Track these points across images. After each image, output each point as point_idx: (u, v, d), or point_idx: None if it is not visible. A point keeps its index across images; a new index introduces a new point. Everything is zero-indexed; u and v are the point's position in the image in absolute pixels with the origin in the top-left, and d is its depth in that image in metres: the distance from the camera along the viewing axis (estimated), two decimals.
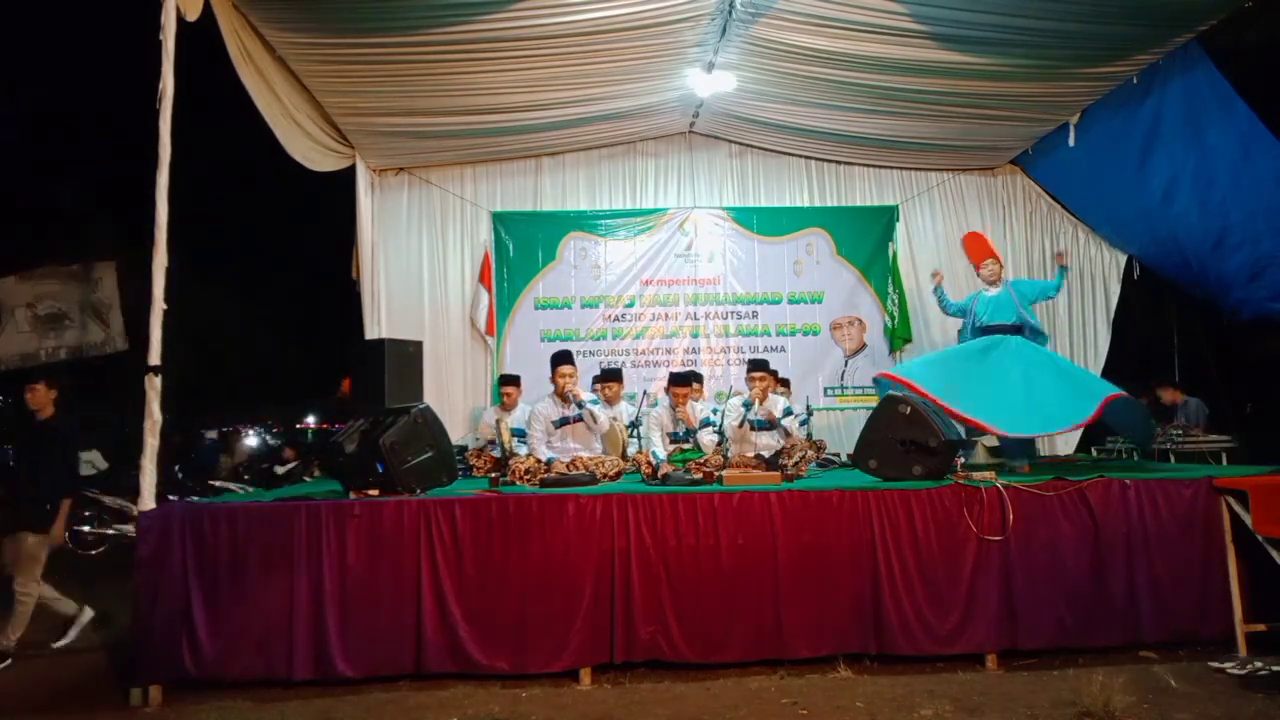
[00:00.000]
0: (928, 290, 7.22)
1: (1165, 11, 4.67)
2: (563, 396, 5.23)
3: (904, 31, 4.97)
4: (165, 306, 3.83)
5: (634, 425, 5.70)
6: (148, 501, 3.73)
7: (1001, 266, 5.61)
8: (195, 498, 5.66)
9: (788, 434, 5.16)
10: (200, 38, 4.16)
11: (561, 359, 5.28)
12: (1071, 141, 6.26)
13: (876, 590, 3.79)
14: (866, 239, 7.47)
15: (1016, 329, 5.26)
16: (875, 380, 5.72)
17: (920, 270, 7.28)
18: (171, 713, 3.50)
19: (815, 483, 4.25)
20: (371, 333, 6.74)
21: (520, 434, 5.72)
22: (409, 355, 6.36)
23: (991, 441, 5.93)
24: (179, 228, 3.92)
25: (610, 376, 6.07)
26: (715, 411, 5.52)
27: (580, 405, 5.18)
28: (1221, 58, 5.01)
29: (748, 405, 5.21)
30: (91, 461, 9.71)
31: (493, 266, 7.20)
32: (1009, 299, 5.35)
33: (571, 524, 3.77)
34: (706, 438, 5.30)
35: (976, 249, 6.14)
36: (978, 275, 5.65)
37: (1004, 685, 3.57)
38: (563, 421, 5.29)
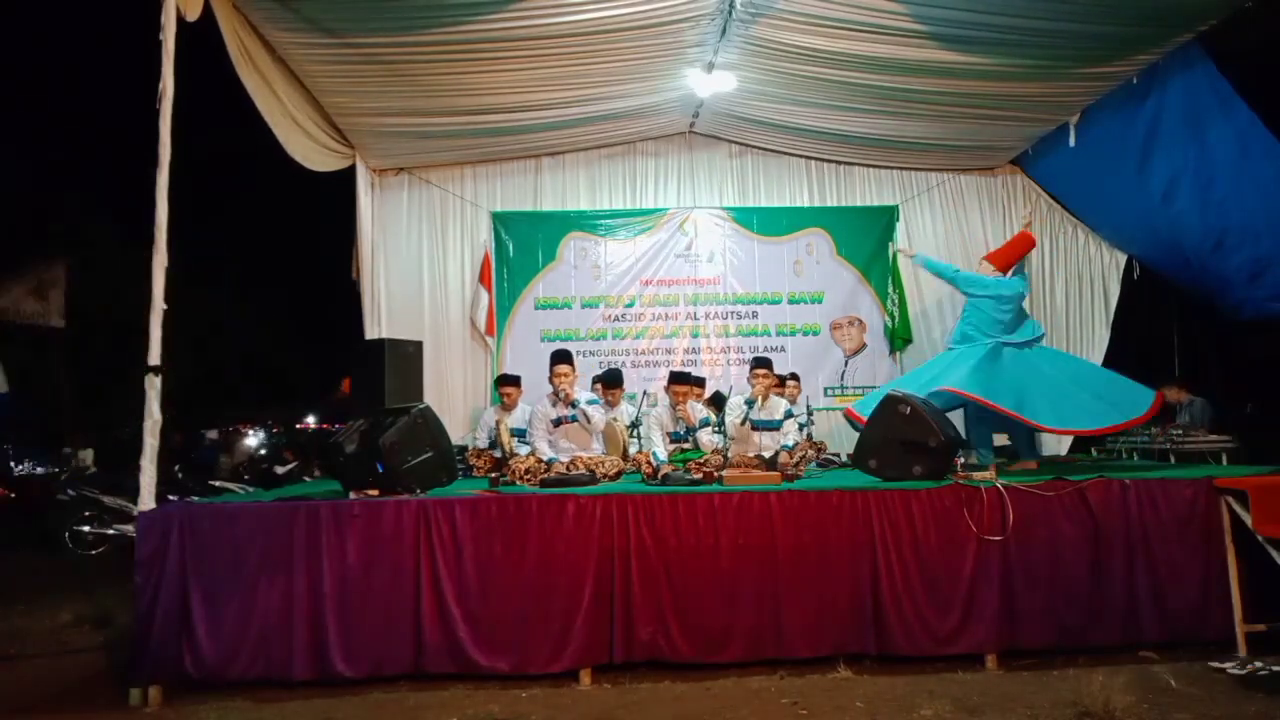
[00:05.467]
0: (928, 290, 7.26)
1: (1165, 11, 4.66)
2: (558, 396, 5.23)
3: (904, 31, 4.97)
4: (165, 306, 3.83)
5: (634, 425, 5.70)
6: (148, 501, 3.73)
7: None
8: (195, 498, 5.66)
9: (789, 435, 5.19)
10: (200, 38, 4.16)
11: (558, 358, 5.27)
12: (1071, 141, 6.25)
13: (876, 590, 3.79)
14: (866, 239, 7.46)
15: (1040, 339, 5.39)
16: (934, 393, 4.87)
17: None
18: (171, 713, 3.50)
19: (815, 483, 4.25)
20: (371, 333, 6.73)
21: (520, 434, 5.72)
22: (409, 355, 6.36)
23: (1000, 440, 5.88)
24: (179, 228, 3.92)
25: (611, 383, 6.05)
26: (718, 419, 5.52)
27: (573, 406, 5.18)
28: (1221, 58, 5.00)
29: (750, 403, 5.21)
30: (85, 460, 9.74)
31: (493, 266, 7.20)
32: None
33: (571, 524, 3.77)
34: (706, 437, 5.30)
35: (1021, 252, 5.82)
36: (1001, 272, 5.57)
37: (1004, 685, 3.57)
38: (559, 421, 5.30)
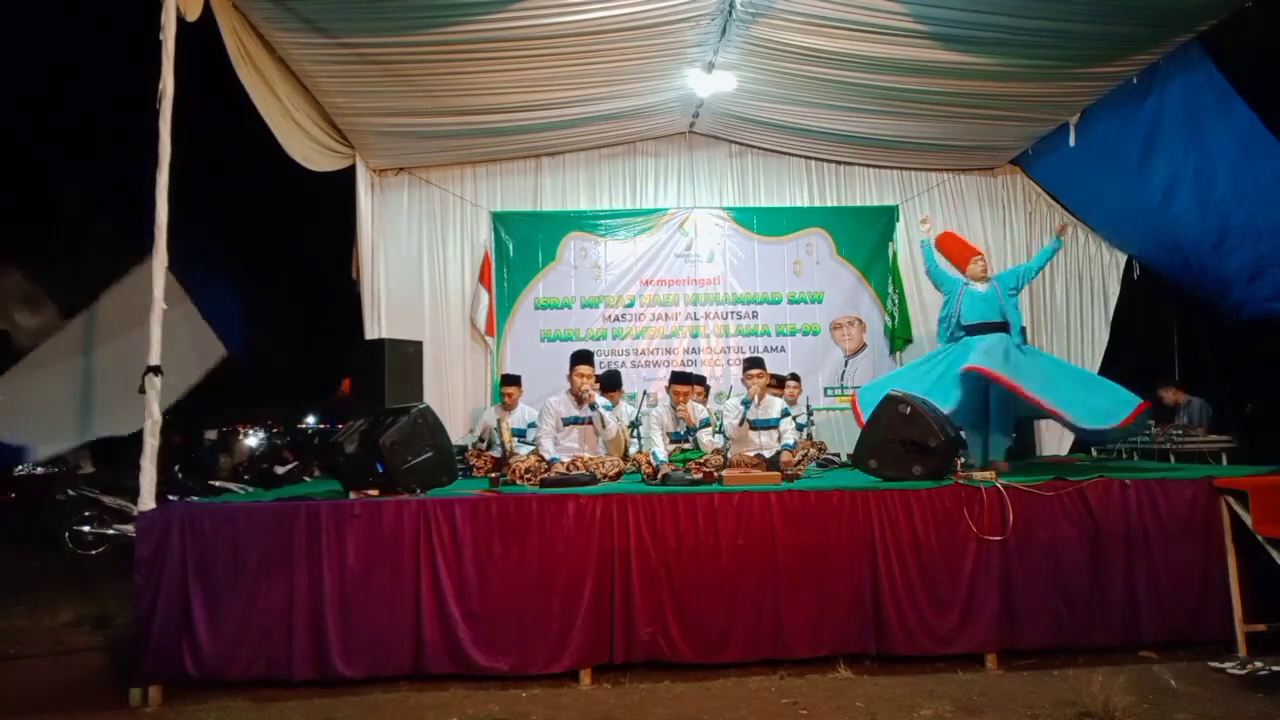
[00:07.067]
0: (928, 290, 7.22)
1: (1165, 11, 4.67)
2: (577, 396, 5.21)
3: (904, 31, 4.97)
4: (165, 306, 3.83)
5: (634, 425, 5.71)
6: (148, 501, 3.73)
7: (986, 262, 5.52)
8: (195, 498, 5.66)
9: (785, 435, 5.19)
10: (200, 38, 4.16)
11: (580, 359, 5.23)
12: (1072, 141, 6.26)
13: (876, 590, 3.78)
14: (866, 239, 7.47)
15: (1001, 326, 5.12)
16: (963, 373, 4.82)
17: (920, 270, 7.26)
18: (171, 713, 3.49)
19: (815, 483, 4.25)
20: (371, 333, 6.74)
21: (520, 434, 5.71)
22: (409, 355, 6.37)
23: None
24: (179, 228, 3.92)
25: (610, 385, 6.03)
26: (716, 414, 5.52)
27: (593, 407, 5.17)
28: (1221, 58, 5.01)
29: (746, 403, 5.21)
30: (85, 460, 9.73)
31: (493, 266, 7.20)
32: (994, 295, 5.23)
33: (571, 524, 3.77)
34: (707, 437, 5.31)
35: (957, 248, 5.88)
36: (963, 275, 5.44)
37: (1004, 685, 3.57)
38: (572, 420, 5.27)
